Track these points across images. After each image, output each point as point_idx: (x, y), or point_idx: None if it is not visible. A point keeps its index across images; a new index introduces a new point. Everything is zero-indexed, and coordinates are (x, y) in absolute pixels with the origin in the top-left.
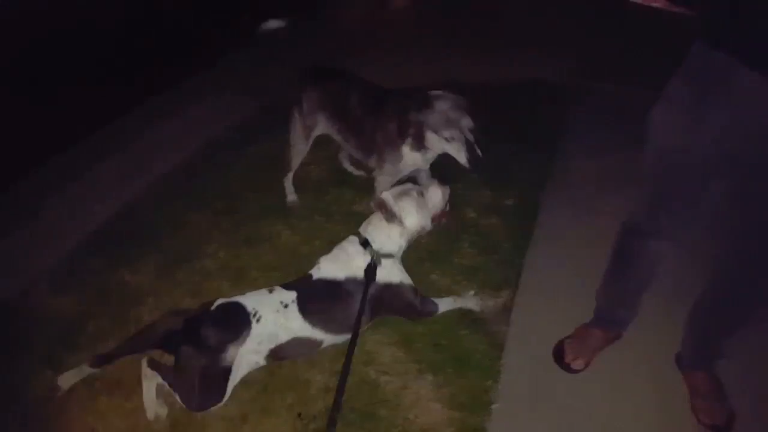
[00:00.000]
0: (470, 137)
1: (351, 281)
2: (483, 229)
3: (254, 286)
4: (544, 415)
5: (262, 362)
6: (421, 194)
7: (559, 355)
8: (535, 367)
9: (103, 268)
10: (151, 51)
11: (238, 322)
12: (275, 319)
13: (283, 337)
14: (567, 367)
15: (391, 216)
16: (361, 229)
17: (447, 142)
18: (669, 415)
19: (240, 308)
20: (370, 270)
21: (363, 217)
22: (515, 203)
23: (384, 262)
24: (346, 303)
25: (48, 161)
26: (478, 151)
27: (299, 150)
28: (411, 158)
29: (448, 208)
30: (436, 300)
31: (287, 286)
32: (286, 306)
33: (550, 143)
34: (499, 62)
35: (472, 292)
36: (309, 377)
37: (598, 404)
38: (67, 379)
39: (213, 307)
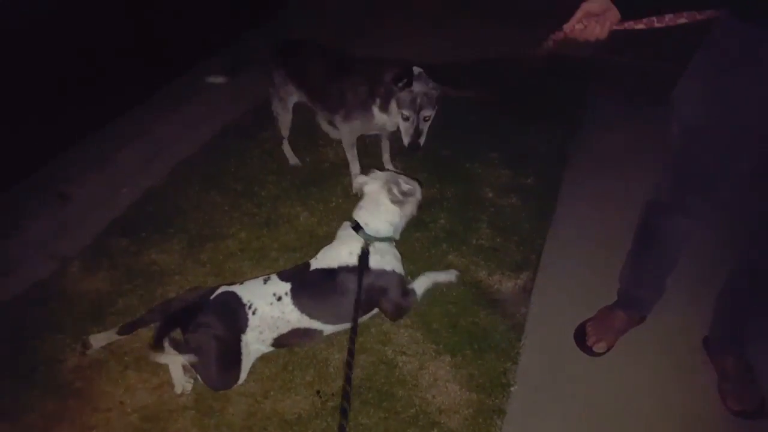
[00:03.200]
0: (422, 126)
1: (344, 269)
2: (502, 209)
3: (275, 266)
4: (565, 399)
5: (268, 350)
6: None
7: (580, 337)
8: (555, 349)
9: (130, 250)
10: (164, 38)
11: (236, 312)
12: (270, 311)
13: (283, 328)
14: (589, 350)
15: (396, 197)
16: (354, 214)
17: (402, 119)
18: (695, 401)
19: (237, 299)
20: (364, 256)
21: None
22: (535, 182)
23: (378, 246)
24: (340, 293)
25: (73, 147)
26: (421, 141)
27: (283, 119)
28: (380, 119)
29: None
30: (414, 284)
31: (283, 276)
32: (279, 299)
33: (570, 120)
34: (515, 37)
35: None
36: (327, 355)
37: (621, 389)
38: (97, 340)
39: (213, 296)
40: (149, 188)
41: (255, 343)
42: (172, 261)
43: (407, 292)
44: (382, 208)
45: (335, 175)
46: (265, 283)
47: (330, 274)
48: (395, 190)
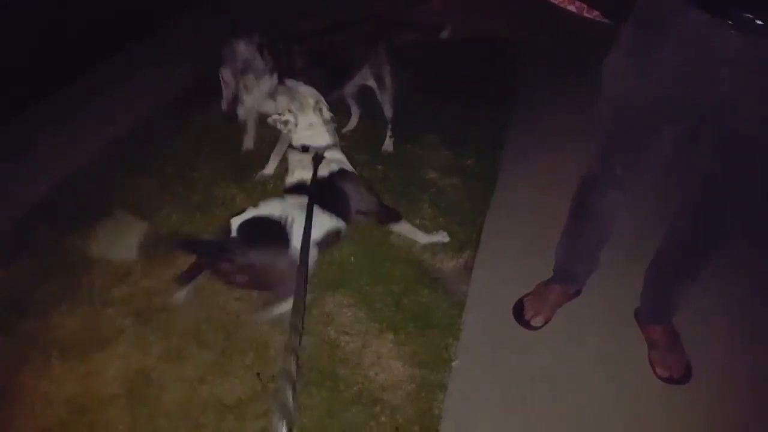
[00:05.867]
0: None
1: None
2: (443, 190)
3: None
4: (504, 372)
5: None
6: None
7: (519, 312)
8: (495, 325)
9: (52, 236)
10: (91, 20)
11: (272, 229)
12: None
13: (319, 233)
14: (527, 324)
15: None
16: (294, 142)
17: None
18: (627, 369)
19: (268, 220)
20: (317, 157)
21: None
22: (474, 163)
23: (329, 153)
24: (342, 194)
25: None
26: (240, 112)
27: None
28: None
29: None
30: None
31: (292, 192)
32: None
33: (506, 101)
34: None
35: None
36: (268, 338)
37: (557, 360)
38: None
39: (237, 226)
40: (73, 173)
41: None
42: (95, 248)
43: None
44: (310, 128)
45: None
46: (284, 199)
47: (327, 181)
48: (324, 110)
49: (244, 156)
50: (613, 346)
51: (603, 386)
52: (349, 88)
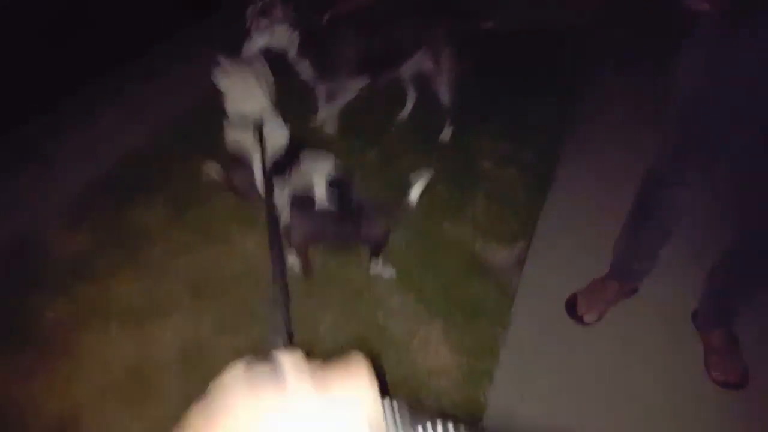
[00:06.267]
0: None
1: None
2: (498, 181)
3: (263, 232)
4: (552, 365)
5: None
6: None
7: (571, 307)
8: (545, 317)
9: (113, 208)
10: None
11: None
12: None
13: None
14: (579, 320)
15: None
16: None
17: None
18: (681, 371)
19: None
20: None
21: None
22: (533, 154)
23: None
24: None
25: (53, 105)
26: None
27: None
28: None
29: None
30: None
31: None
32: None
33: (569, 92)
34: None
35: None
36: (317, 313)
37: (608, 358)
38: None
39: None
40: (133, 149)
41: None
42: (156, 222)
43: None
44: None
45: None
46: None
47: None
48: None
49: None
50: (667, 347)
51: (654, 386)
52: (405, 71)
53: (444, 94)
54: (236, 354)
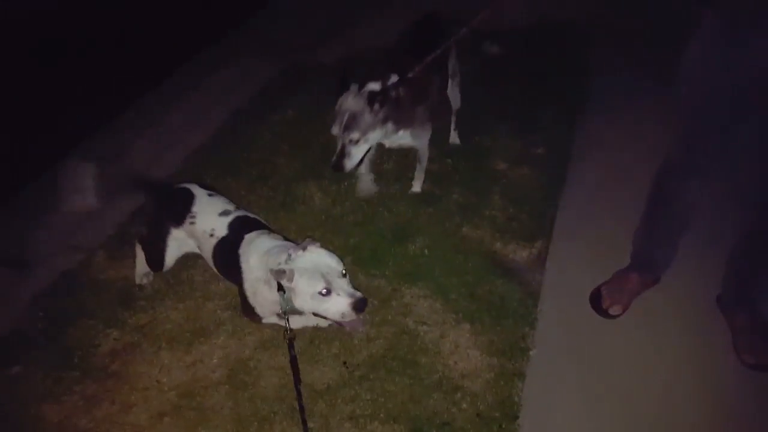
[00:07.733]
0: (349, 148)
1: None
2: (514, 180)
3: None
4: (583, 360)
5: None
6: None
7: (596, 301)
8: (571, 313)
9: None
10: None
11: None
12: None
13: None
14: (604, 313)
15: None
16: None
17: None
18: (710, 357)
19: None
20: None
21: (391, 175)
22: (545, 152)
23: None
24: None
25: (88, 139)
26: (346, 164)
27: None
28: None
29: None
30: None
31: None
32: None
33: (579, 88)
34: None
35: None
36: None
37: (637, 349)
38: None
39: None
40: (166, 177)
41: None
42: None
43: None
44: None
45: None
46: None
47: None
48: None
49: (320, 154)
50: (695, 334)
51: (685, 374)
52: None
53: (454, 97)
54: (278, 371)
